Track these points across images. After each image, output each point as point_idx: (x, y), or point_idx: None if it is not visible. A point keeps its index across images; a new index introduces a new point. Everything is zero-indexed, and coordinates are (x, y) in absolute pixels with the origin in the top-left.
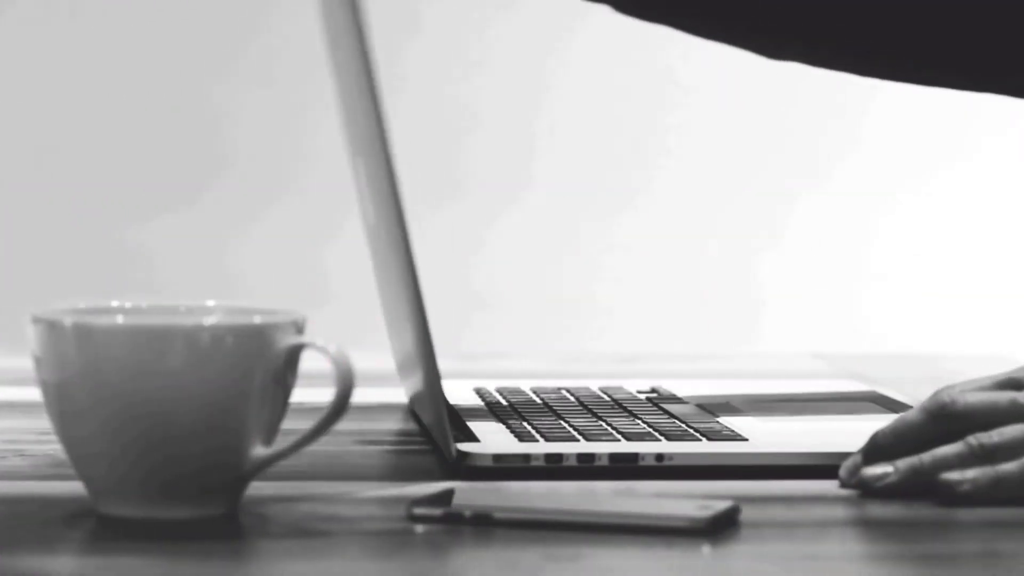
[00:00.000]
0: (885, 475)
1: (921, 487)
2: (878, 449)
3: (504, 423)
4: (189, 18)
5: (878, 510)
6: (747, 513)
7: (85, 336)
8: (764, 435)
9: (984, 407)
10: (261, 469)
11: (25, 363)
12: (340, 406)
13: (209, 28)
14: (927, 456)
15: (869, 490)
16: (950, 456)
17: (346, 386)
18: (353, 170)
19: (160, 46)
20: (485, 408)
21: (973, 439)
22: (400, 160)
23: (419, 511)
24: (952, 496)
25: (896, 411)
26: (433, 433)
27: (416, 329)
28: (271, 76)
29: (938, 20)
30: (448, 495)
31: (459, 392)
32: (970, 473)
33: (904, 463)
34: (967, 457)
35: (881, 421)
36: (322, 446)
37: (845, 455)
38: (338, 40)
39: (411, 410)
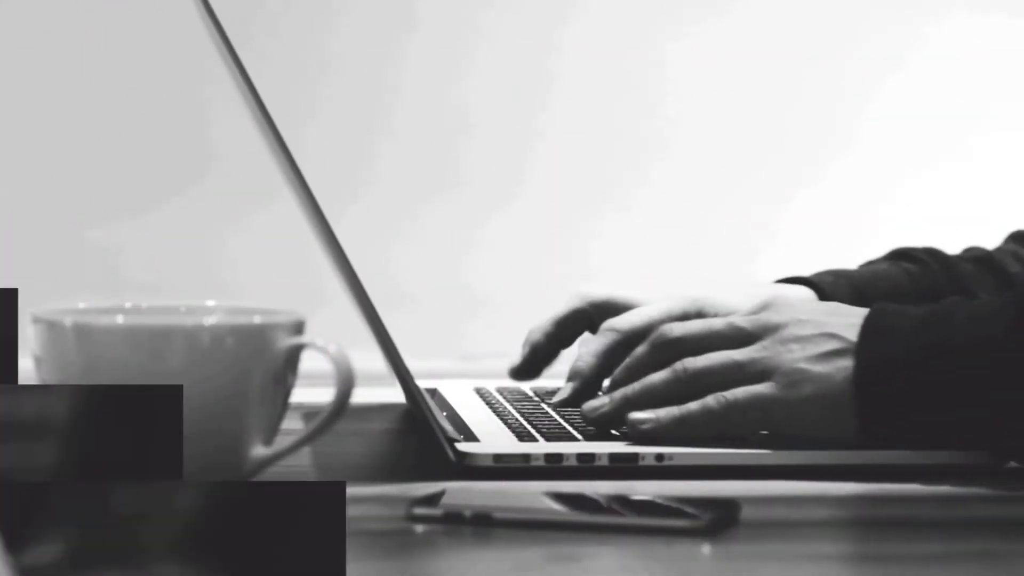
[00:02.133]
0: (601, 406)
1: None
2: (614, 386)
3: (504, 423)
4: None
5: (878, 510)
6: (747, 513)
7: (85, 336)
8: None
9: (699, 333)
10: (261, 469)
11: (25, 363)
12: (340, 406)
13: (203, 26)
14: (638, 384)
15: (599, 425)
16: (658, 383)
17: (346, 386)
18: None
19: (154, 42)
20: (485, 408)
21: (680, 364)
22: (398, 159)
23: (419, 511)
24: (637, 434)
25: None
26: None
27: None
28: (270, 73)
29: None
30: (449, 494)
31: (459, 392)
32: (659, 413)
33: (618, 393)
34: (673, 383)
35: None
36: (322, 446)
37: (845, 456)
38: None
39: (411, 410)
